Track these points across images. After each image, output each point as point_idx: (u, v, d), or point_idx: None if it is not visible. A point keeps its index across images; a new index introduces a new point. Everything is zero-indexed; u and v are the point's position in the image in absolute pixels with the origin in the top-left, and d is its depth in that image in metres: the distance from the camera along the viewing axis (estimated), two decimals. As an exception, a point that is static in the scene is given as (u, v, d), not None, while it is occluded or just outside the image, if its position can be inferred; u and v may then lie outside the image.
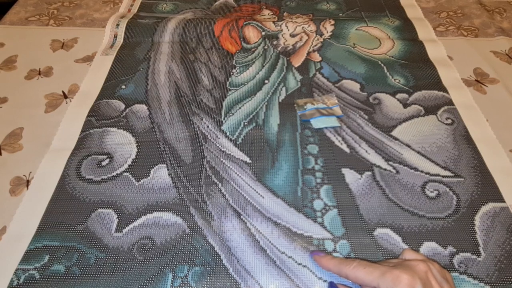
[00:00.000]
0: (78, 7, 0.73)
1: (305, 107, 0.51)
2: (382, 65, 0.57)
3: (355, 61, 0.58)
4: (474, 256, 0.36)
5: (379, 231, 0.38)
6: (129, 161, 0.45)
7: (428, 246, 0.37)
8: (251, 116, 0.50)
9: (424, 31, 0.64)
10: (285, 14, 0.69)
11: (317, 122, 0.49)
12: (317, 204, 0.40)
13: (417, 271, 0.29)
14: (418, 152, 0.45)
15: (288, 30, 0.64)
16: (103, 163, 0.45)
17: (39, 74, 0.58)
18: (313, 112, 0.50)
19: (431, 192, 0.41)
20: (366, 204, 0.41)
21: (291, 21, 0.65)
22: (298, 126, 0.49)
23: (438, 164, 0.44)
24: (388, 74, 0.56)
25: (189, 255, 0.37)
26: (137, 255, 0.37)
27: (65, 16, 0.70)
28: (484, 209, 0.40)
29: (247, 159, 0.45)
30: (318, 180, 0.43)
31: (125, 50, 0.61)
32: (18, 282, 0.35)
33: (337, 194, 0.41)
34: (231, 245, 0.37)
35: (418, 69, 0.57)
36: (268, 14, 0.69)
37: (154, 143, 0.47)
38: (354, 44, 0.61)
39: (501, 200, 0.41)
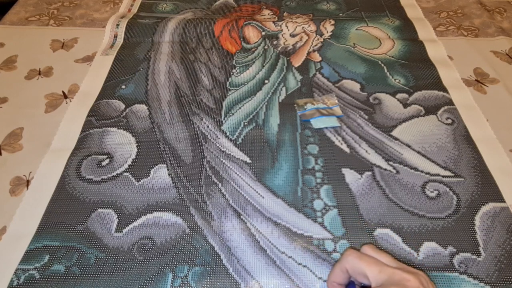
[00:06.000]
0: (78, 7, 0.73)
1: (305, 107, 0.51)
2: (382, 65, 0.57)
3: (355, 61, 0.58)
4: (474, 256, 0.36)
5: (379, 231, 0.38)
6: (129, 161, 0.45)
7: (428, 246, 0.37)
8: (251, 116, 0.50)
9: (424, 31, 0.64)
10: (285, 14, 0.69)
11: (317, 122, 0.49)
12: (317, 204, 0.40)
13: None
14: (418, 152, 0.45)
15: (288, 30, 0.64)
16: (103, 163, 0.45)
17: (39, 74, 0.58)
18: (313, 112, 0.50)
19: (431, 192, 0.41)
20: (366, 204, 0.41)
21: (291, 21, 0.65)
22: (298, 126, 0.49)
23: (438, 164, 0.44)
24: (388, 74, 0.56)
25: (189, 255, 0.37)
26: (137, 255, 0.37)
27: (65, 16, 0.70)
28: (484, 209, 0.40)
29: (247, 159, 0.45)
30: (318, 180, 0.43)
31: (125, 50, 0.61)
32: (18, 282, 0.35)
33: (337, 194, 0.41)
34: (231, 245, 0.37)
35: (418, 69, 0.57)
36: (268, 14, 0.69)
37: (154, 143, 0.47)
38: (354, 44, 0.61)
39: (501, 200, 0.41)
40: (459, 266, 0.36)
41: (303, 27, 0.64)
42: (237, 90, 0.54)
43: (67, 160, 0.45)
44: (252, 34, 0.63)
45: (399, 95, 0.53)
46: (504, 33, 0.64)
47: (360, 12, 0.69)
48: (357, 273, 0.30)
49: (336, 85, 0.54)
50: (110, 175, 0.43)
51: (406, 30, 0.64)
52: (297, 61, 0.59)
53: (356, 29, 0.64)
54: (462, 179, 0.43)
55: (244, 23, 0.65)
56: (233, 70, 0.57)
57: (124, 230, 0.38)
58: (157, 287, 0.34)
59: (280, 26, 0.64)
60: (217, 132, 0.48)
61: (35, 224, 0.39)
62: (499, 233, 0.38)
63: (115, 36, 0.64)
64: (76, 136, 0.48)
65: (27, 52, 0.62)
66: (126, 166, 0.44)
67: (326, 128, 0.48)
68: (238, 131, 0.48)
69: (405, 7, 0.70)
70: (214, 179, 0.43)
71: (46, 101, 0.53)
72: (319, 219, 0.39)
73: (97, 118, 0.50)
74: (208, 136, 0.48)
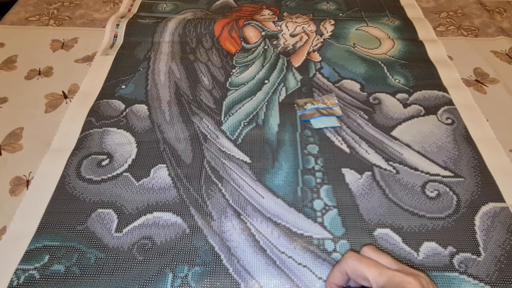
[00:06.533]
0: (78, 7, 0.73)
1: (305, 107, 0.51)
2: (382, 65, 0.57)
3: (355, 61, 0.58)
4: (474, 256, 0.36)
5: (379, 231, 0.38)
6: (129, 161, 0.45)
7: (428, 246, 0.37)
8: (251, 116, 0.50)
9: (424, 31, 0.64)
10: (285, 14, 0.69)
11: (317, 122, 0.49)
12: (317, 204, 0.40)
13: None
14: (418, 152, 0.45)
15: (288, 30, 0.64)
16: (103, 163, 0.45)
17: (39, 74, 0.58)
18: (313, 112, 0.50)
19: (431, 192, 0.41)
20: (366, 204, 0.41)
21: (291, 21, 0.65)
22: (298, 126, 0.49)
23: (438, 164, 0.44)
24: (388, 74, 0.56)
25: (189, 255, 0.37)
26: (137, 255, 0.37)
27: (65, 16, 0.70)
28: (484, 209, 0.40)
29: (247, 159, 0.45)
30: (318, 180, 0.43)
31: (125, 50, 0.61)
32: (18, 282, 0.35)
33: (337, 194, 0.41)
34: (231, 245, 0.37)
35: (418, 69, 0.57)
36: (268, 14, 0.69)
37: (154, 143, 0.47)
38: (354, 44, 0.61)
39: (501, 200, 0.41)
40: (459, 266, 0.36)
41: (303, 27, 0.64)
42: (237, 90, 0.54)
43: (67, 160, 0.45)
44: (252, 34, 0.63)
45: (399, 95, 0.53)
46: (504, 33, 0.64)
47: (360, 12, 0.69)
48: (357, 276, 0.30)
49: (336, 85, 0.54)
50: (110, 175, 0.43)
51: (406, 30, 0.64)
52: (297, 61, 0.59)
53: (356, 29, 0.64)
54: (462, 179, 0.43)
55: (244, 23, 0.65)
56: (233, 70, 0.57)
57: (124, 230, 0.38)
58: (157, 287, 0.34)
59: (280, 26, 0.64)
60: (217, 132, 0.48)
61: (35, 224, 0.39)
62: (499, 233, 0.38)
63: (115, 36, 0.64)
64: (76, 136, 0.48)
65: (27, 52, 0.62)
66: (126, 166, 0.44)
67: (326, 128, 0.48)
68: (238, 131, 0.48)
69: (405, 7, 0.70)
70: (214, 179, 0.43)
71: (46, 101, 0.53)
72: (319, 219, 0.39)
73: (97, 118, 0.50)
74: (208, 136, 0.48)
